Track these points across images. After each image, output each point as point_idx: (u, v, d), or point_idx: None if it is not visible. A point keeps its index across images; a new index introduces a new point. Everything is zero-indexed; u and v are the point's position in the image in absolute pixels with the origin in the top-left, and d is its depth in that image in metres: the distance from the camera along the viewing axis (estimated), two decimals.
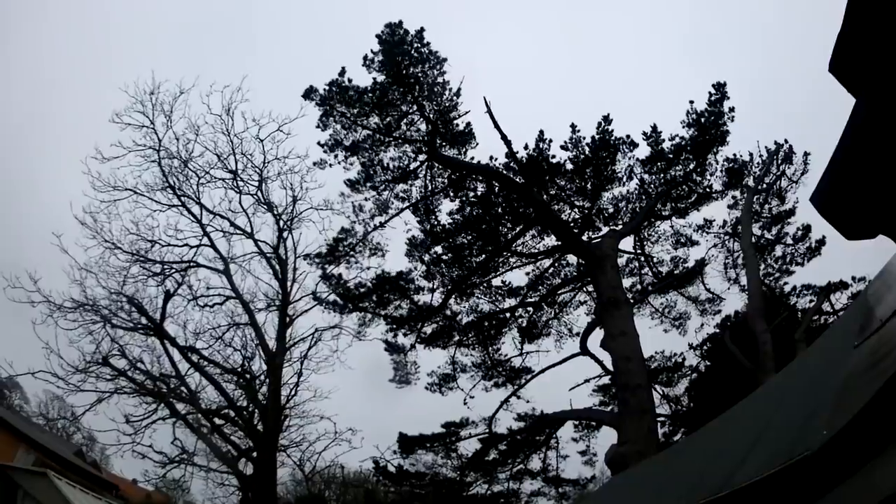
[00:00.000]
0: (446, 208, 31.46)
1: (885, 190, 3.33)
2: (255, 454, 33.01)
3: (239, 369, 35.09)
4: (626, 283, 33.82)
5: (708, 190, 32.22)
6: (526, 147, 29.62)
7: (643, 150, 31.42)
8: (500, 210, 31.08)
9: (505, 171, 29.60)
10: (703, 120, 30.70)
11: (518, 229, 31.22)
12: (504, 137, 27.39)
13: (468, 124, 29.46)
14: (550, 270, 33.96)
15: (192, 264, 34.66)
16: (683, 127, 31.06)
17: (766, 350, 23.90)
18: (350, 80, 28.84)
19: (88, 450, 54.19)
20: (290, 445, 35.32)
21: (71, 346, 31.53)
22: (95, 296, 32.42)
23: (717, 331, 34.15)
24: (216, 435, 33.35)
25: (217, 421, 33.92)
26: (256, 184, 35.35)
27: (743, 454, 6.19)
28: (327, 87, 29.02)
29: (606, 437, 28.83)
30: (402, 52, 27.97)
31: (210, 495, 37.09)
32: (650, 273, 34.88)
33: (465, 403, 34.06)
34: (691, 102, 30.79)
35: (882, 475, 3.71)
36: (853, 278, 30.57)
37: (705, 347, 34.92)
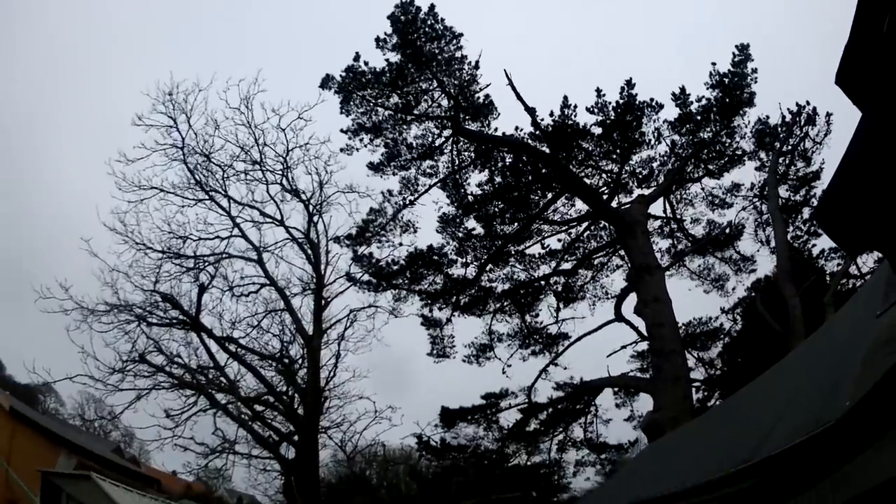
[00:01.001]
0: (475, 180, 31.60)
1: (885, 207, 3.36)
2: (296, 438, 33.24)
3: (277, 355, 35.29)
4: (662, 244, 34.34)
5: (738, 152, 32.21)
6: (551, 114, 29.64)
7: (671, 112, 31.52)
8: (529, 178, 31.20)
9: (531, 141, 29.65)
10: (726, 81, 30.61)
11: (549, 197, 31.24)
12: (528, 108, 27.70)
13: (488, 96, 29.53)
14: (585, 235, 34.06)
15: (224, 256, 34.71)
16: (707, 88, 31.04)
17: (795, 314, 23.88)
18: (366, 63, 29.00)
19: (126, 446, 54.84)
20: (331, 427, 35.42)
21: (107, 348, 31.62)
22: (128, 296, 32.55)
23: (750, 293, 33.87)
24: (257, 422, 33.60)
25: (258, 408, 34.15)
26: (281, 172, 35.31)
27: (771, 423, 6.25)
28: (343, 74, 29.35)
29: (648, 401, 28.85)
30: (416, 31, 28.00)
31: (252, 482, 37.44)
32: (683, 236, 34.75)
33: (503, 373, 34.15)
34: (713, 64, 30.84)
35: (891, 455, 3.74)
36: None
37: (738, 311, 34.69)
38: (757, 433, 6.38)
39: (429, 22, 28.15)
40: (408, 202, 31.53)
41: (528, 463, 35.47)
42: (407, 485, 41.09)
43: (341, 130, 30.69)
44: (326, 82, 29.85)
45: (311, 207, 35.66)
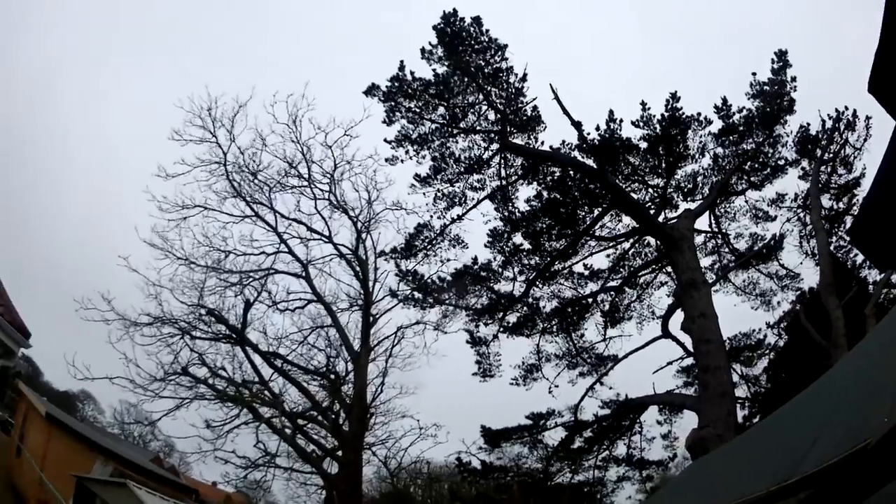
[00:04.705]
0: (523, 195, 31.96)
1: None
2: (339, 453, 33.28)
3: (323, 370, 35.47)
4: (706, 261, 34.55)
5: (781, 161, 32.39)
6: (597, 128, 30.02)
7: (715, 124, 31.70)
8: (576, 194, 31.56)
9: (578, 155, 30.25)
10: (766, 90, 30.98)
11: (597, 213, 31.70)
12: (574, 122, 27.96)
13: (535, 108, 29.79)
14: (631, 252, 34.52)
15: (270, 271, 35.13)
16: (748, 98, 31.40)
17: (838, 327, 23.59)
18: (412, 73, 29.33)
19: (166, 456, 55.36)
20: (376, 443, 35.69)
21: (149, 360, 31.92)
22: (172, 310, 33.01)
23: (794, 307, 33.58)
24: (300, 436, 33.64)
25: (301, 422, 34.20)
26: (328, 188, 35.48)
27: (811, 440, 6.10)
28: (389, 83, 29.77)
29: (691, 419, 28.73)
30: (461, 42, 28.28)
31: (292, 495, 37.57)
32: (728, 250, 35.10)
33: (549, 392, 34.61)
34: (754, 74, 31.23)
35: None
36: None
37: (782, 325, 34.30)
38: (796, 451, 6.23)
39: (473, 33, 28.58)
40: (456, 217, 31.78)
41: (573, 481, 35.26)
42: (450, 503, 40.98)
43: (385, 140, 31.02)
44: (371, 90, 30.25)
45: (359, 224, 35.87)
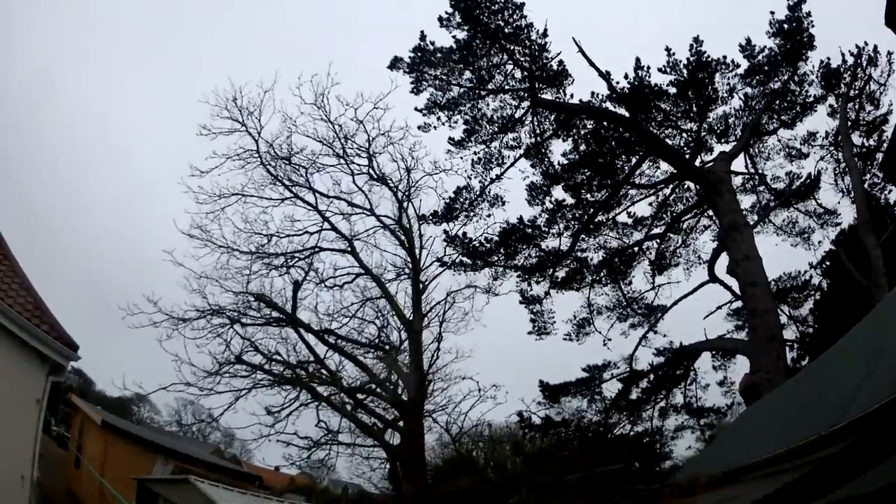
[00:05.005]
0: (558, 150, 32.49)
1: None
2: (401, 423, 33.35)
3: (377, 342, 35.38)
4: (746, 203, 34.58)
5: (809, 99, 32.34)
6: (626, 77, 30.08)
7: (742, 66, 31.88)
8: (612, 144, 31.88)
9: (609, 105, 30.47)
10: (786, 27, 30.88)
11: (634, 161, 32.00)
12: (602, 74, 28.44)
13: (561, 62, 29.92)
14: (672, 198, 34.74)
15: (315, 250, 34.83)
16: (769, 37, 31.47)
17: (877, 266, 23.33)
18: (433, 43, 29.75)
19: (227, 446, 55.99)
20: (436, 410, 35.57)
21: (200, 353, 31.51)
22: (219, 300, 32.22)
23: (834, 247, 33.18)
24: (361, 411, 33.69)
25: (360, 397, 34.24)
26: (366, 162, 35.19)
27: (856, 385, 6.15)
28: (412, 54, 29.99)
29: (745, 363, 28.76)
30: (477, 5, 28.59)
31: (356, 471, 37.67)
32: (766, 190, 35.10)
33: (604, 345, 35.15)
34: (772, 13, 31.07)
35: None
36: None
37: (825, 265, 33.97)
38: (843, 396, 6.29)
39: None
40: (495, 177, 32.07)
41: (632, 433, 35.44)
42: (513, 463, 41.08)
43: (416, 109, 31.18)
44: (395, 64, 30.47)
45: (399, 194, 35.55)
